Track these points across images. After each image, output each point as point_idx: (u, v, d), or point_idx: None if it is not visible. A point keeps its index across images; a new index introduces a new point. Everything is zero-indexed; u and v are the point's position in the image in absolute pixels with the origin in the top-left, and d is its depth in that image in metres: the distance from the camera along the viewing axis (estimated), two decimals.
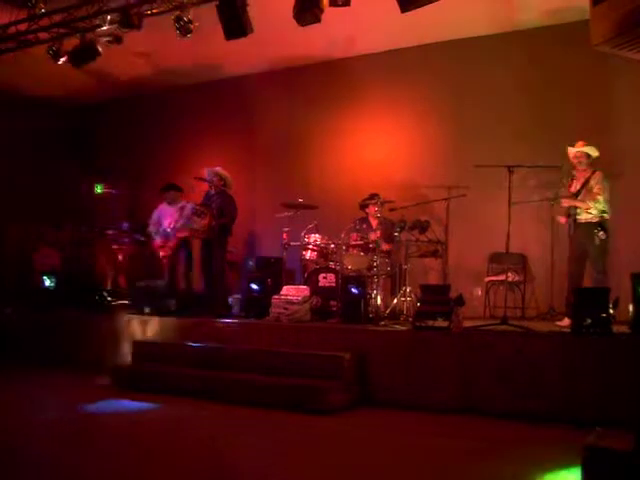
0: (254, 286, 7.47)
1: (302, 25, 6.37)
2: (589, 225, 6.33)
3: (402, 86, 8.92)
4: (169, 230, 8.81)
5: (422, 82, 8.79)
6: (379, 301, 7.00)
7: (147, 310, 7.68)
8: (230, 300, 8.09)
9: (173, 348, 6.85)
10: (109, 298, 8.33)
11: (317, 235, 7.74)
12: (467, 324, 6.01)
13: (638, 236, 7.20)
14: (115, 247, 9.67)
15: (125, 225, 9.85)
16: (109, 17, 7.29)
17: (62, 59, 7.69)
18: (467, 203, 7.48)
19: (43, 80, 9.92)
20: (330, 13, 6.27)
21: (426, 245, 7.42)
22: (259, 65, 9.84)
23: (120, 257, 9.63)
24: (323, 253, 7.71)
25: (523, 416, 5.15)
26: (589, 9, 4.84)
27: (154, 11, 7.15)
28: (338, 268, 7.34)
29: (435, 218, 7.78)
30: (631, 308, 5.36)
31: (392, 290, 7.65)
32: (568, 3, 7.31)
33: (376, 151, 9.11)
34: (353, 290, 6.74)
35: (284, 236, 7.86)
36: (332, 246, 7.60)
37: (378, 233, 7.25)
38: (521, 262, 7.84)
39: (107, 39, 7.41)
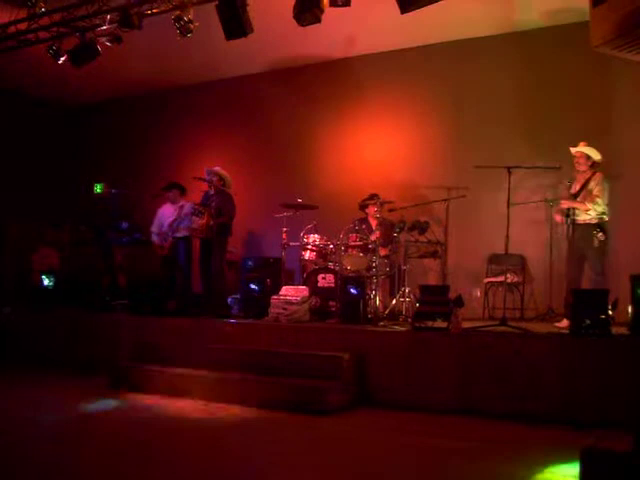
0: (253, 286, 7.47)
1: (302, 25, 6.37)
2: (588, 226, 6.33)
3: (402, 87, 8.93)
4: (167, 230, 8.83)
5: (422, 83, 8.80)
6: (378, 302, 7.01)
7: (146, 310, 7.66)
8: (229, 300, 8.09)
9: (172, 348, 6.84)
10: (108, 298, 8.32)
11: (316, 235, 7.75)
12: (466, 325, 6.01)
13: (638, 237, 7.21)
14: (114, 247, 9.67)
15: (124, 225, 9.84)
16: (109, 16, 7.30)
17: (62, 58, 7.70)
18: (466, 204, 7.49)
19: (43, 80, 9.92)
20: (330, 13, 6.28)
21: (425, 246, 7.43)
22: (259, 65, 9.85)
23: (119, 257, 9.63)
24: (322, 253, 7.72)
25: (522, 417, 5.15)
26: (589, 11, 4.85)
27: (154, 11, 7.16)
28: (337, 268, 7.34)
29: (434, 219, 7.79)
30: (630, 309, 5.35)
31: (391, 291, 7.66)
32: (568, 4, 7.32)
33: (376, 151, 9.12)
34: (352, 290, 6.74)
35: (283, 236, 7.87)
36: (331, 246, 7.60)
37: (378, 234, 7.25)
38: (520, 263, 7.84)
39: (107, 38, 7.42)
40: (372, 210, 7.81)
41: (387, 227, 7.56)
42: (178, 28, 6.89)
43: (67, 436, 4.76)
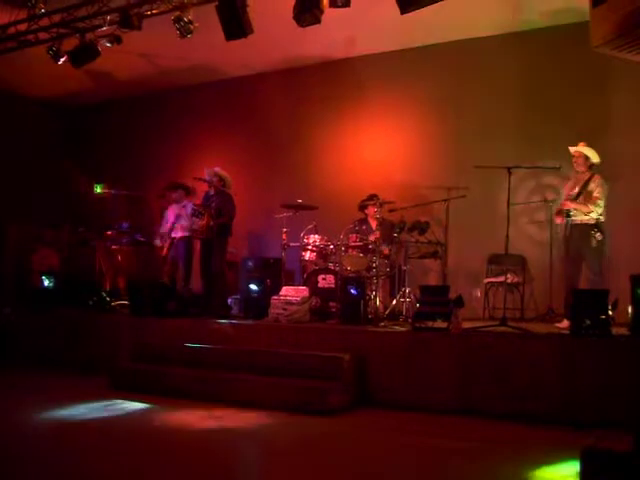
0: (253, 287, 7.47)
1: (302, 26, 6.37)
2: (585, 227, 6.32)
3: (402, 87, 8.93)
4: (167, 231, 8.83)
5: (422, 83, 8.80)
6: (378, 302, 7.00)
7: (146, 311, 7.66)
8: (229, 301, 8.08)
9: (172, 349, 6.84)
10: (108, 298, 8.31)
11: (316, 236, 7.75)
12: (466, 325, 6.01)
13: (638, 238, 7.21)
14: (114, 247, 9.67)
15: (124, 225, 9.84)
16: (109, 17, 7.30)
17: (62, 59, 7.70)
18: (467, 204, 7.48)
19: (43, 80, 9.93)
20: (330, 14, 6.28)
21: (426, 246, 7.43)
22: (259, 66, 9.85)
23: (119, 257, 9.63)
24: (322, 254, 7.72)
25: (522, 417, 5.15)
26: (589, 11, 4.85)
27: (154, 11, 7.16)
28: (337, 269, 7.34)
29: (435, 219, 7.79)
30: (630, 310, 5.35)
31: (391, 291, 7.65)
32: (567, 5, 7.32)
33: (376, 152, 9.12)
34: (352, 291, 6.74)
35: (283, 237, 7.87)
36: (331, 247, 7.60)
37: (378, 234, 7.24)
38: (520, 263, 7.84)
39: (107, 39, 7.42)
40: (372, 211, 7.81)
41: (387, 227, 7.56)
42: (178, 29, 6.89)
43: (66, 436, 4.76)
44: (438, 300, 6.09)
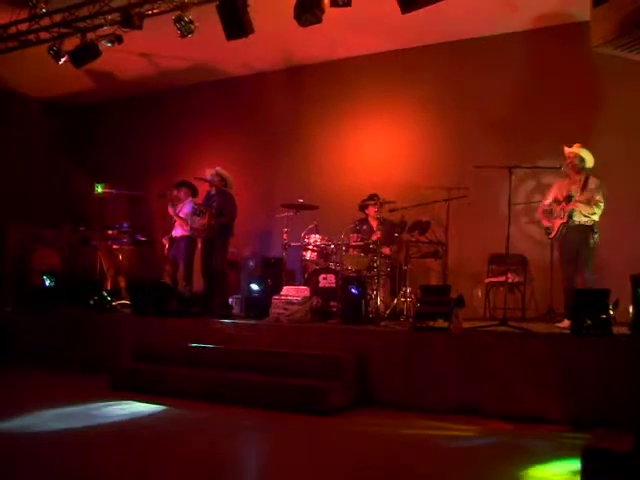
0: (254, 286, 7.47)
1: (303, 25, 6.38)
2: (584, 228, 6.32)
3: (402, 87, 8.93)
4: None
5: (422, 83, 8.80)
6: (379, 302, 7.01)
7: (147, 310, 7.66)
8: (230, 300, 8.09)
9: (173, 349, 6.84)
10: (109, 298, 8.32)
11: (317, 236, 7.75)
12: (467, 325, 6.01)
13: (638, 238, 7.20)
14: (115, 247, 9.68)
15: (125, 225, 9.85)
16: (110, 17, 7.31)
17: (63, 59, 7.70)
18: (467, 204, 7.48)
19: (44, 80, 9.93)
20: (330, 13, 6.28)
21: (426, 246, 7.44)
22: (259, 65, 9.86)
23: (120, 257, 9.63)
24: (323, 254, 7.72)
25: (522, 417, 5.15)
26: (589, 10, 4.86)
27: (155, 11, 7.16)
28: (338, 269, 7.35)
29: (435, 219, 7.78)
30: (631, 310, 5.36)
31: (392, 291, 7.65)
32: (567, 5, 7.32)
33: (376, 152, 9.12)
34: (353, 291, 6.74)
35: (284, 236, 7.87)
36: (332, 247, 7.60)
37: (378, 234, 7.25)
38: (521, 263, 7.84)
39: (108, 39, 7.42)
40: (372, 210, 7.81)
41: (388, 227, 7.56)
42: (179, 28, 6.90)
43: (66, 437, 4.76)
44: (439, 300, 6.08)
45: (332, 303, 7.23)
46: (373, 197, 7.76)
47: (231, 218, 7.88)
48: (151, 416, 5.47)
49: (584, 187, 6.37)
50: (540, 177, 7.73)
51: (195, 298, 8.01)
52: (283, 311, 6.92)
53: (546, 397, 5.17)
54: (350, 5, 6.14)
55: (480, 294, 8.10)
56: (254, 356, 6.29)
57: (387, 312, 7.14)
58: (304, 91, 9.70)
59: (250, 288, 7.52)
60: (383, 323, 6.68)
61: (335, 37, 8.46)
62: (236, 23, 6.63)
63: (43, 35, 7.77)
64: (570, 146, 6.51)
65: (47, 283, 8.96)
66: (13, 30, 7.85)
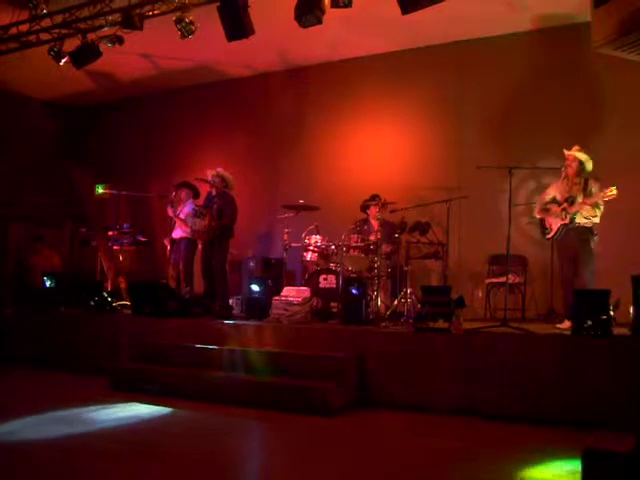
0: (255, 287, 7.47)
1: (303, 26, 6.38)
2: (584, 229, 6.31)
3: (403, 87, 8.94)
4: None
5: (423, 83, 8.81)
6: (380, 302, 7.00)
7: (147, 311, 7.66)
8: (231, 301, 8.09)
9: (173, 349, 6.84)
10: (109, 299, 8.32)
11: (318, 236, 7.75)
12: (467, 326, 6.00)
13: (638, 238, 7.20)
14: (116, 248, 9.68)
15: (126, 226, 9.85)
16: (111, 18, 7.31)
17: (63, 60, 7.71)
18: (468, 205, 7.49)
19: (44, 80, 9.94)
20: (331, 14, 6.28)
21: (427, 247, 7.44)
22: (260, 66, 9.87)
23: (121, 258, 9.63)
24: (324, 254, 7.72)
25: (523, 418, 5.15)
26: (590, 11, 4.86)
27: (156, 12, 7.17)
28: (339, 269, 7.34)
29: (436, 220, 7.79)
30: (632, 310, 5.35)
31: (393, 291, 7.65)
32: (568, 5, 7.32)
33: (377, 152, 9.13)
34: (354, 291, 6.73)
35: (285, 237, 7.87)
36: (333, 247, 7.60)
37: (379, 234, 7.25)
38: (521, 264, 7.84)
39: (108, 40, 7.43)
40: (373, 211, 7.81)
41: (388, 228, 7.56)
42: (179, 29, 6.91)
43: (65, 437, 4.76)
44: (439, 300, 6.08)
45: (332, 304, 7.23)
46: (375, 197, 7.77)
47: (232, 220, 7.88)
48: (151, 417, 5.46)
49: (585, 190, 6.36)
50: (540, 178, 7.72)
51: (195, 299, 8.01)
52: (283, 312, 6.93)
53: (546, 397, 5.17)
54: (351, 6, 6.15)
55: (480, 295, 8.10)
56: (254, 357, 6.28)
57: (387, 313, 7.13)
58: (305, 92, 9.71)
59: (251, 289, 7.51)
60: (383, 324, 6.68)
61: (335, 38, 8.46)
62: (237, 24, 6.64)
63: (44, 36, 7.78)
64: (569, 149, 6.50)
65: (47, 284, 8.95)
66: (14, 31, 7.86)
